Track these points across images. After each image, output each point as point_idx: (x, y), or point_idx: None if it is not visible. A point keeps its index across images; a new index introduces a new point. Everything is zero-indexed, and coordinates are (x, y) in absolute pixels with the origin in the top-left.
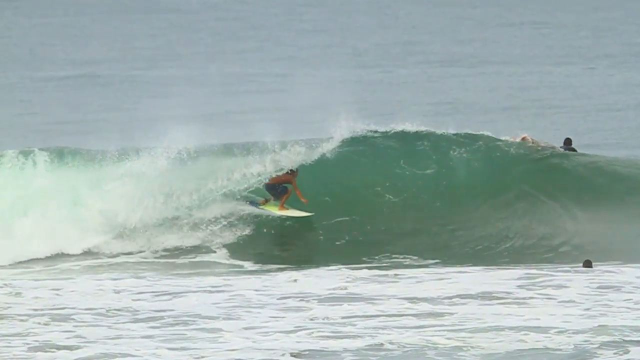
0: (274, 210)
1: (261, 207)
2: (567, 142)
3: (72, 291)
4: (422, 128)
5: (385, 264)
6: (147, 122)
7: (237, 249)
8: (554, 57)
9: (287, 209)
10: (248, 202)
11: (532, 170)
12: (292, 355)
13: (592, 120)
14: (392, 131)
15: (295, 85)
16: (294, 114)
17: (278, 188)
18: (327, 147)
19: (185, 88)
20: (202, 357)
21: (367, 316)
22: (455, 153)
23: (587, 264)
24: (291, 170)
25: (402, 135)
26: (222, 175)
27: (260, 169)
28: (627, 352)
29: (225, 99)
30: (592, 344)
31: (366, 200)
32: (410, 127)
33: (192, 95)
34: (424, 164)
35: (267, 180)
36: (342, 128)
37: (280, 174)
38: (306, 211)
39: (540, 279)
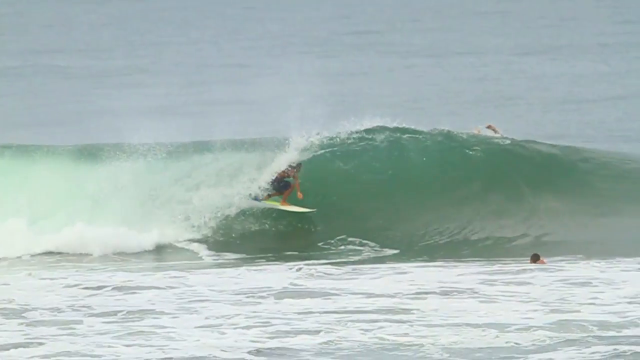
0: (276, 205)
1: (264, 202)
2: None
3: (20, 289)
4: (380, 123)
5: (344, 260)
6: (103, 115)
7: (197, 244)
8: (515, 47)
9: (289, 204)
10: (252, 198)
11: (494, 164)
12: (251, 353)
13: (553, 112)
14: (359, 129)
15: (255, 76)
16: (254, 106)
17: (281, 182)
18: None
19: (140, 78)
20: (162, 352)
21: (325, 312)
22: (415, 147)
23: (535, 259)
24: (293, 165)
25: (362, 131)
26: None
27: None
28: (589, 347)
29: (183, 91)
30: (553, 339)
31: (326, 196)
32: (369, 123)
33: (148, 86)
34: (383, 159)
35: (274, 177)
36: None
37: (283, 168)
38: (308, 207)
39: (502, 275)
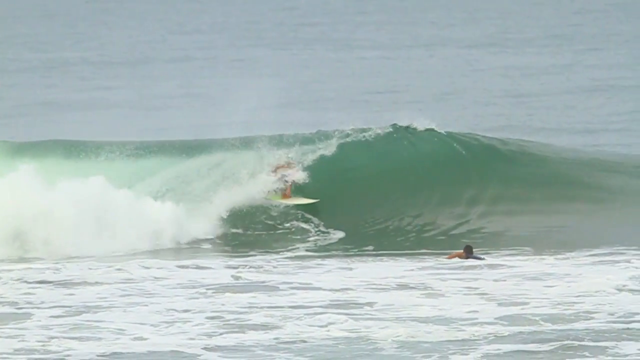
0: (278, 200)
1: (266, 198)
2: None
3: None
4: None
5: (298, 254)
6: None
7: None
8: (462, 40)
9: (291, 197)
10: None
11: (443, 159)
12: (204, 348)
13: (497, 105)
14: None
15: (201, 69)
16: (204, 100)
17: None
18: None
19: (85, 70)
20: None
21: (274, 306)
22: (364, 142)
23: (468, 251)
24: (288, 162)
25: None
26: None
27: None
28: (537, 341)
29: (132, 84)
30: (502, 333)
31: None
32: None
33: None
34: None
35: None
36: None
37: (280, 162)
38: (311, 198)
39: (453, 269)
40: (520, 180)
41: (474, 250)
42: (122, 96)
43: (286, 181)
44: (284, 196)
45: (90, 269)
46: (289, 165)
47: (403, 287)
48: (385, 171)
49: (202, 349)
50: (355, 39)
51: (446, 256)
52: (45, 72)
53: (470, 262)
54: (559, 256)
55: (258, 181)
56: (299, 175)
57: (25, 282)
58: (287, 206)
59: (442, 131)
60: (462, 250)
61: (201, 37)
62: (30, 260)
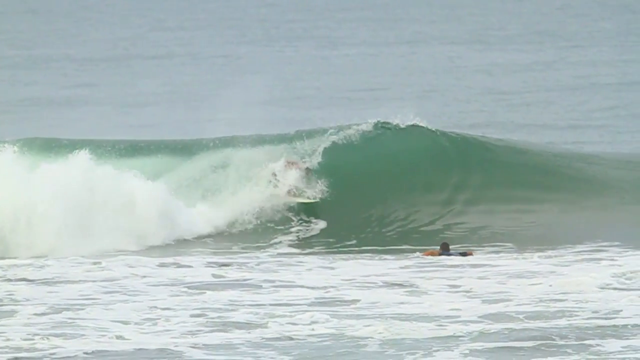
0: (282, 198)
1: (287, 199)
2: (444, 247)
3: None
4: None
5: (280, 251)
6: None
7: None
8: (444, 37)
9: (295, 194)
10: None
11: (426, 155)
12: (190, 346)
13: (479, 102)
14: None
15: (181, 65)
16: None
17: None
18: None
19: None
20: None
21: (260, 305)
22: (347, 139)
23: (444, 248)
24: (297, 163)
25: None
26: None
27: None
28: (524, 338)
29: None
30: (486, 330)
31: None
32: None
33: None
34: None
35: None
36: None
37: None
38: (311, 198)
39: (437, 267)
40: (503, 177)
41: (450, 247)
42: (104, 93)
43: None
44: (288, 193)
45: (72, 266)
46: (297, 164)
47: (387, 284)
48: (368, 168)
49: (188, 347)
50: (337, 36)
51: (422, 253)
52: (27, 69)
53: (456, 260)
54: (542, 253)
55: (260, 178)
56: (300, 177)
57: (8, 279)
58: (274, 203)
59: (426, 127)
60: (438, 248)
61: (183, 34)
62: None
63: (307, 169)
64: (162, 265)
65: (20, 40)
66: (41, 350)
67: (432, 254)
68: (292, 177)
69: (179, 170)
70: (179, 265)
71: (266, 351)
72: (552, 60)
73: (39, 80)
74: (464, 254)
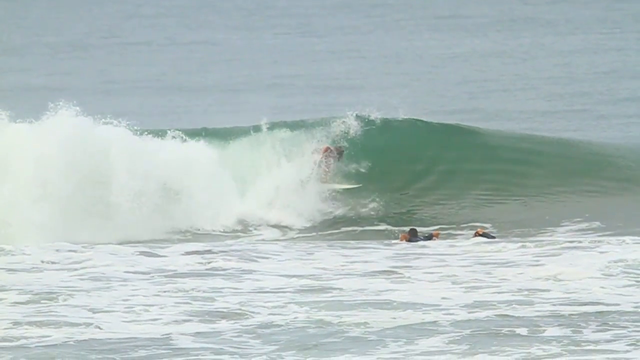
0: (325, 183)
1: (325, 183)
2: (412, 232)
3: None
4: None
5: (264, 239)
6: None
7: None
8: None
9: (329, 181)
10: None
11: (411, 143)
12: (177, 334)
13: (455, 90)
14: None
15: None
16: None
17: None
18: None
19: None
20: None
21: (241, 292)
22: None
23: (412, 234)
24: (332, 148)
25: None
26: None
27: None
28: (508, 326)
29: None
30: (470, 318)
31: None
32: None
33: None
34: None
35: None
36: None
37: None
38: (350, 183)
39: (421, 255)
40: (494, 166)
41: (418, 232)
42: (80, 81)
43: (327, 165)
44: (322, 180)
45: (57, 253)
46: (331, 150)
47: (371, 272)
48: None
49: (177, 334)
50: (311, 23)
51: (397, 240)
52: (2, 56)
53: (439, 247)
54: (529, 242)
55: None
56: (334, 162)
57: None
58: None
59: (405, 117)
60: (407, 234)
61: (159, 21)
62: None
63: (340, 151)
64: (141, 253)
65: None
66: (28, 338)
67: (404, 238)
68: (331, 163)
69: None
70: (157, 255)
71: (251, 339)
72: (529, 48)
73: (14, 67)
74: (429, 237)
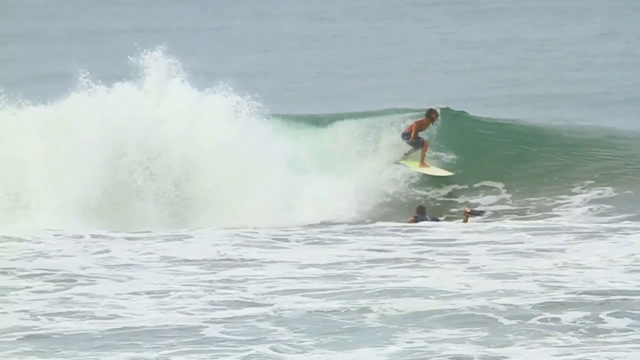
0: (413, 167)
1: (401, 162)
2: (420, 210)
3: None
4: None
5: (285, 227)
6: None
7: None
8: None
9: (428, 165)
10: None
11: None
12: (205, 322)
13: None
14: None
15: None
16: None
17: (415, 138)
18: None
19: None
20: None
21: (268, 280)
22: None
23: (419, 211)
24: (428, 110)
25: None
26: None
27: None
28: (530, 317)
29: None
30: (492, 308)
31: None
32: None
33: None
34: None
35: (405, 128)
36: None
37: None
38: (447, 170)
39: (441, 243)
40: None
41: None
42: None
43: (422, 141)
44: (422, 165)
45: (76, 242)
46: (428, 120)
47: (392, 260)
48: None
49: (203, 322)
50: (325, 9)
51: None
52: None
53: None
54: (553, 231)
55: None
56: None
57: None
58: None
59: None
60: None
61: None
62: None
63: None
64: (165, 240)
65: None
66: (52, 329)
67: (411, 220)
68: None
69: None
70: (182, 241)
71: (277, 326)
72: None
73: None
74: (435, 219)
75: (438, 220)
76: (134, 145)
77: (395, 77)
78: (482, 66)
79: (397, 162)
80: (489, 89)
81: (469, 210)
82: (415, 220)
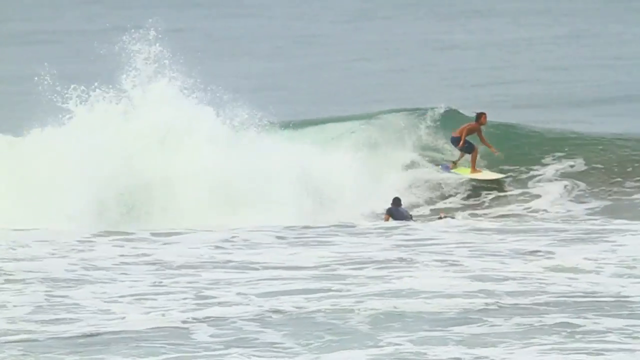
0: (465, 174)
1: (452, 171)
2: (395, 202)
3: None
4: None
5: (273, 228)
6: None
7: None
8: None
9: (480, 170)
10: (441, 168)
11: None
12: (185, 322)
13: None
14: None
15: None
16: None
17: (465, 143)
18: None
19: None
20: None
21: (251, 281)
22: None
23: (395, 203)
24: (477, 114)
25: None
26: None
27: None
28: (515, 317)
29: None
30: (473, 308)
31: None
32: None
33: None
34: None
35: (453, 132)
36: None
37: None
38: (499, 172)
39: (429, 244)
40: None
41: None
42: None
43: (473, 146)
44: (473, 170)
45: (56, 243)
46: (477, 124)
47: (377, 261)
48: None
49: (188, 324)
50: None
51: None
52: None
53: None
54: (537, 233)
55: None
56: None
57: None
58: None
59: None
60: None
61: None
62: None
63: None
64: (147, 242)
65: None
66: (34, 332)
67: (387, 218)
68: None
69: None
70: (166, 243)
71: (261, 327)
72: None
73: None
74: (410, 216)
75: (412, 218)
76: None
77: (378, 78)
78: (463, 67)
79: (451, 172)
80: (470, 89)
81: (442, 216)
82: (392, 216)
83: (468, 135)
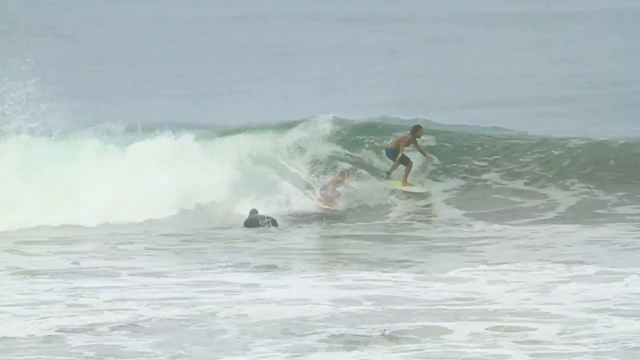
0: (397, 186)
1: (385, 181)
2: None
3: None
4: None
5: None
6: None
7: None
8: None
9: (411, 184)
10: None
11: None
12: (58, 331)
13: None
14: None
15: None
16: None
17: (398, 155)
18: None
19: None
20: None
21: (119, 288)
22: None
23: (252, 213)
24: (414, 127)
25: None
26: None
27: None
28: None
29: None
30: (339, 316)
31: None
32: None
33: None
34: None
35: (389, 143)
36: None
37: (402, 134)
38: (424, 188)
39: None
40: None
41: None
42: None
43: (407, 159)
44: (404, 183)
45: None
46: (414, 137)
47: (249, 267)
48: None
49: (56, 331)
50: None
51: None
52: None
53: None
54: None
55: None
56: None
57: None
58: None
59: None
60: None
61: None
62: None
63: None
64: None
65: None
66: None
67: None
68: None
69: None
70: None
71: (127, 336)
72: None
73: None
74: (274, 222)
75: (275, 223)
76: None
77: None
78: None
79: (384, 180)
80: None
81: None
82: (246, 225)
83: (405, 147)
